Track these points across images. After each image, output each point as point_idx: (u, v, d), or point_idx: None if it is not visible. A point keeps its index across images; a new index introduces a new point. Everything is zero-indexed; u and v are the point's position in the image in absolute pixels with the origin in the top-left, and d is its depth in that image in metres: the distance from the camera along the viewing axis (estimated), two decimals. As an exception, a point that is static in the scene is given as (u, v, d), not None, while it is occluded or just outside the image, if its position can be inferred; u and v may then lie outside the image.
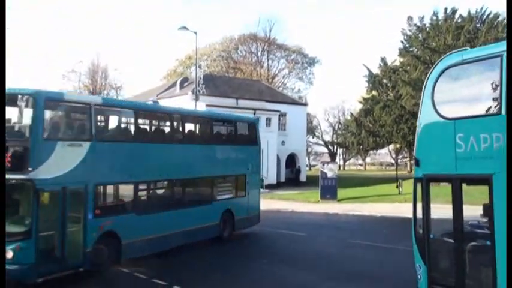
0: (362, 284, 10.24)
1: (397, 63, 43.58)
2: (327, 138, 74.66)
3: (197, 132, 17.56)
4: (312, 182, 43.24)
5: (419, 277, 8.77)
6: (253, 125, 19.91)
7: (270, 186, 39.56)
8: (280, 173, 44.86)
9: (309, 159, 73.99)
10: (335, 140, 67.61)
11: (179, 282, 11.49)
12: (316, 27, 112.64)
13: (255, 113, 40.56)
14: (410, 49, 42.06)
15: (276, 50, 68.31)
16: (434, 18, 41.28)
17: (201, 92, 37.06)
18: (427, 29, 41.56)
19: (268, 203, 29.98)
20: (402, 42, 42.88)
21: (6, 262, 9.63)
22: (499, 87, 7.70)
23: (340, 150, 75.07)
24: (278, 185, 41.92)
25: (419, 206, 8.64)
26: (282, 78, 70.31)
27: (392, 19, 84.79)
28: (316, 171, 52.02)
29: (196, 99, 34.40)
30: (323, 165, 33.22)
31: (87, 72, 72.42)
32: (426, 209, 8.57)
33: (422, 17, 42.17)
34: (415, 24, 42.30)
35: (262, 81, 57.99)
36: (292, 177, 45.86)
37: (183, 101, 39.39)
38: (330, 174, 31.29)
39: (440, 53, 31.59)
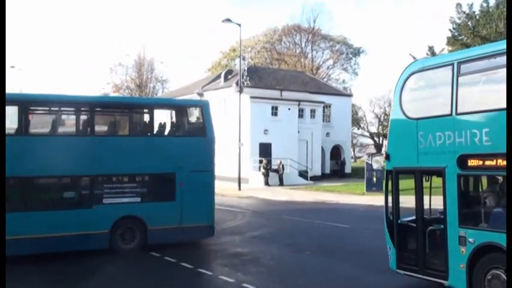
0: (406, 278, 10.12)
1: (445, 52, 42.48)
2: (373, 129, 73.61)
3: (83, 122, 14.37)
4: (357, 174, 42.85)
5: (389, 257, 10.26)
6: (198, 111, 15.58)
7: (315, 178, 39.40)
8: (325, 165, 44.59)
9: (354, 151, 73.19)
10: (381, 132, 66.56)
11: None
12: (361, 17, 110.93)
13: (299, 105, 40.45)
14: (459, 37, 40.91)
15: (320, 40, 67.69)
16: (485, 5, 39.99)
17: (245, 84, 37.18)
18: (477, 16, 40.31)
19: (313, 195, 30.00)
20: (450, 30, 41.76)
21: None
22: (450, 92, 9.00)
23: (385, 142, 73.90)
24: (323, 177, 41.70)
25: (389, 195, 10.09)
26: (326, 69, 69.72)
27: (440, 6, 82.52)
28: (361, 163, 51.48)
29: (241, 91, 34.58)
30: (369, 156, 32.85)
31: (134, 66, 73.89)
32: (395, 198, 10.07)
33: (472, 4, 40.96)
34: (464, 12, 41.09)
35: (306, 72, 57.66)
36: (337, 169, 45.54)
37: (228, 93, 39.72)
38: (375, 166, 30.91)
39: (492, 41, 30.60)
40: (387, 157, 10.36)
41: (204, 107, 15.10)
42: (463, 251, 8.75)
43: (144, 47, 75.44)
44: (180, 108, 15.74)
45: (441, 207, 9.34)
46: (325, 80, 63.42)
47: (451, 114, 9.02)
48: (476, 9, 40.44)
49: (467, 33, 39.86)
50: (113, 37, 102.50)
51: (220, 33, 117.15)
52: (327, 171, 44.64)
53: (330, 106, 45.41)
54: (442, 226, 9.26)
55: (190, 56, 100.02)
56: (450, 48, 41.77)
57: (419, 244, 9.62)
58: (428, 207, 10.11)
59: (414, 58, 43.42)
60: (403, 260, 9.99)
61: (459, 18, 41.51)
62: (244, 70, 39.49)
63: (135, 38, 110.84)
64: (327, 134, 44.55)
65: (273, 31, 68.62)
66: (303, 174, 38.69)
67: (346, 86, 67.18)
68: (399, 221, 10.10)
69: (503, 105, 8.04)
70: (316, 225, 19.37)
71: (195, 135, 15.08)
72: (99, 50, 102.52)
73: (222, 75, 45.68)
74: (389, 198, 10.22)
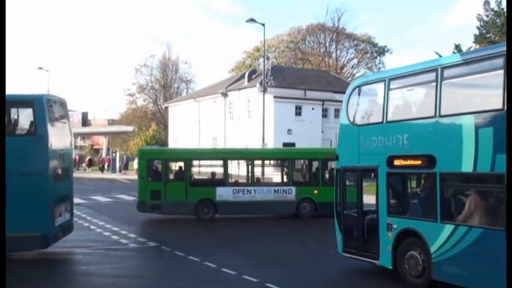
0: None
1: (473, 49, 41.77)
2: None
3: None
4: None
5: (338, 243, 12.11)
6: (28, 107, 13.25)
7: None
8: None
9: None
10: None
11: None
12: (386, 15, 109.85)
13: (323, 104, 40.25)
14: (487, 35, 40.15)
15: (344, 39, 67.23)
16: (514, 1, 39.17)
17: (269, 84, 37.17)
18: (506, 13, 39.53)
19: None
20: (478, 28, 40.99)
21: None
22: (382, 103, 10.96)
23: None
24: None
25: (340, 190, 12.10)
26: (350, 69, 69.19)
27: (466, 4, 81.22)
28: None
29: (264, 91, 34.55)
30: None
31: (158, 66, 74.54)
32: (342, 193, 12.03)
33: (500, 1, 40.14)
34: (492, 9, 40.32)
35: (330, 71, 57.37)
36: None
37: (252, 93, 39.76)
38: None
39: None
40: (336, 157, 12.34)
41: (35, 102, 12.93)
42: (389, 236, 10.70)
43: (169, 48, 75.86)
44: (14, 103, 13.18)
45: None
46: (350, 79, 62.99)
47: (382, 122, 11.00)
48: (505, 6, 39.68)
49: (496, 31, 39.10)
50: (138, 38, 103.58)
51: (244, 33, 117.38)
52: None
53: (354, 106, 45.03)
54: (375, 216, 11.20)
55: (215, 56, 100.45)
56: (477, 46, 41.04)
57: (358, 231, 11.60)
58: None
59: (440, 56, 43.05)
60: (347, 245, 11.82)
61: (487, 16, 40.74)
62: (268, 70, 39.50)
63: (160, 39, 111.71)
64: (351, 134, 44.18)
65: (297, 31, 68.45)
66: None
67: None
68: (345, 212, 12.06)
69: (419, 115, 10.44)
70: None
71: (23, 135, 13.22)
72: (125, 51, 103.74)
73: (246, 75, 45.76)
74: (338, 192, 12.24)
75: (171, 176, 20.96)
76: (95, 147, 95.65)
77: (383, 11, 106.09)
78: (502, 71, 8.66)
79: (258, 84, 39.19)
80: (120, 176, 50.37)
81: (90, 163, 58.21)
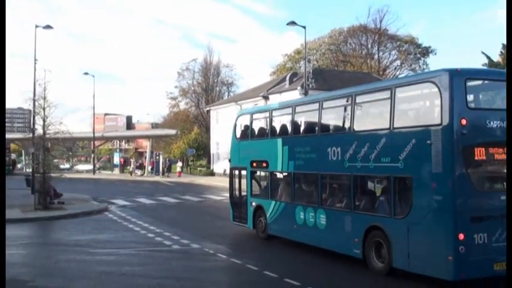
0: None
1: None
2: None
3: None
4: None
5: (230, 216, 18.31)
6: None
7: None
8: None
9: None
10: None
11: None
12: (430, 15, 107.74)
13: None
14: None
15: (387, 41, 66.24)
16: None
17: (310, 87, 37.01)
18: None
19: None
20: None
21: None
22: (250, 127, 17.11)
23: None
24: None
25: (231, 182, 18.28)
26: (393, 70, 68.06)
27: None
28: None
29: (306, 93, 34.43)
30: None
31: (200, 70, 75.34)
32: (232, 183, 18.14)
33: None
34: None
35: (372, 73, 56.64)
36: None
37: (293, 96, 39.68)
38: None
39: None
40: (229, 160, 18.49)
41: None
42: (252, 209, 16.80)
43: (210, 51, 76.49)
44: None
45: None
46: (393, 81, 62.00)
47: (248, 139, 17.21)
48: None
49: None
50: (181, 43, 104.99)
51: (286, 37, 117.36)
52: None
53: (397, 108, 44.35)
54: (246, 197, 17.21)
55: (256, 59, 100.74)
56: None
57: (239, 207, 17.68)
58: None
59: (488, 57, 41.84)
60: (235, 216, 18.04)
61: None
62: (309, 72, 39.35)
63: (202, 43, 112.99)
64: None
65: (338, 33, 67.91)
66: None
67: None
68: (233, 195, 18.22)
69: (260, 137, 16.58)
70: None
71: None
72: (168, 55, 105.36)
73: (287, 78, 45.72)
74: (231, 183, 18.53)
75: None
76: (138, 150, 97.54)
77: (426, 11, 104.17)
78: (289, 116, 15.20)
79: (299, 87, 39.10)
80: (163, 179, 51.16)
81: (141, 166, 58.83)
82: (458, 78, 10.04)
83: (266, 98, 44.78)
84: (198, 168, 58.48)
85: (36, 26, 33.22)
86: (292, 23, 32.94)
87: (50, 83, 24.69)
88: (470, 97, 10.51)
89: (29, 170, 39.65)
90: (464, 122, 9.78)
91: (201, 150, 61.70)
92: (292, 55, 69.21)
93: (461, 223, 9.66)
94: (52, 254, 14.91)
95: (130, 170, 58.55)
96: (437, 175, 10.02)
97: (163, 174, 54.70)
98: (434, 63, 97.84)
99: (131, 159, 67.85)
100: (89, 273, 12.20)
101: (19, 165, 70.34)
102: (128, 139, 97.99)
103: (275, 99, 41.77)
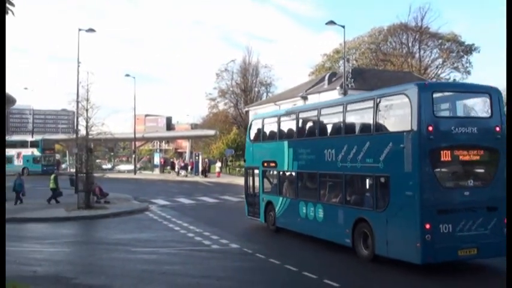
0: None
1: None
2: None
3: None
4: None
5: (245, 210, 20.28)
6: None
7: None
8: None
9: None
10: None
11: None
12: (473, 12, 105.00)
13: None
14: None
15: (428, 39, 64.89)
16: None
17: (349, 86, 36.64)
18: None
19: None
20: None
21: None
22: (262, 130, 19.00)
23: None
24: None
25: (246, 180, 20.46)
26: (435, 69, 66.66)
27: None
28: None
29: (345, 93, 34.10)
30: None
31: (239, 71, 75.61)
32: (247, 181, 20.14)
33: None
34: None
35: (413, 72, 55.61)
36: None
37: (332, 96, 39.35)
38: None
39: None
40: (244, 160, 21.29)
41: None
42: (263, 204, 18.60)
43: (249, 52, 76.63)
44: None
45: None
46: (435, 80, 60.80)
47: (260, 141, 19.23)
48: None
49: None
50: (220, 44, 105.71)
51: (325, 37, 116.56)
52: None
53: (439, 107, 43.48)
54: (258, 194, 19.08)
55: (294, 59, 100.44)
56: None
57: (253, 203, 19.54)
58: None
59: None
60: (249, 211, 19.97)
61: None
62: (349, 72, 38.95)
63: (241, 44, 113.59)
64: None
65: (378, 31, 67.01)
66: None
67: (457, 86, 63.75)
68: (247, 192, 20.16)
69: (271, 139, 18.37)
70: None
71: None
72: (207, 57, 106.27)
73: (326, 78, 45.38)
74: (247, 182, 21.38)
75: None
76: (178, 150, 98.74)
77: (469, 8, 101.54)
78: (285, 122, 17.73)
79: (338, 87, 38.76)
80: (203, 179, 51.58)
81: (186, 167, 59.28)
82: (425, 90, 11.82)
83: (305, 98, 44.56)
84: (237, 169, 58.67)
85: (79, 30, 34.06)
86: (331, 22, 32.65)
87: (92, 84, 25.33)
88: (436, 107, 12.16)
89: (73, 170, 40.70)
90: (430, 128, 11.48)
91: (240, 151, 61.79)
92: (331, 55, 68.68)
93: (427, 215, 11.28)
94: (95, 252, 15.25)
95: (176, 170, 59.11)
96: (409, 174, 11.63)
97: (202, 174, 55.13)
98: (478, 61, 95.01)
99: (176, 160, 68.54)
100: (130, 271, 12.41)
101: (63, 166, 72.22)
102: (168, 140, 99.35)
103: (314, 100, 41.59)
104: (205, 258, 14.07)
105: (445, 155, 11.70)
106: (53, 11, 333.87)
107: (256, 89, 77.20)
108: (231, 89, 76.10)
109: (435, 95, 12.04)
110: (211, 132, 63.50)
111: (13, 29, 60.60)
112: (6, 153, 44.86)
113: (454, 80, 65.93)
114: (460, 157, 11.87)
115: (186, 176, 55.27)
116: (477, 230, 11.54)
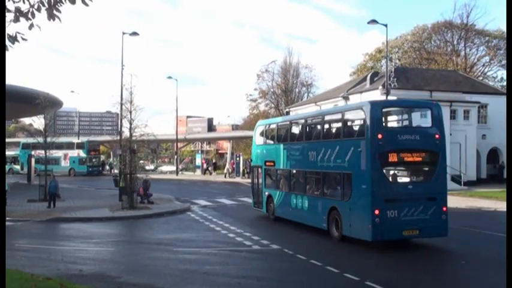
0: None
1: None
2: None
3: None
4: (518, 179, 39.24)
5: (252, 203, 23.95)
6: None
7: (469, 183, 36.97)
8: (481, 169, 41.59)
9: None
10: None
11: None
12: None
13: (451, 105, 38.19)
14: None
15: (474, 36, 63.14)
16: None
17: (392, 86, 36.01)
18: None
19: (467, 201, 28.05)
20: None
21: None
22: (265, 135, 22.65)
23: None
24: (478, 182, 38.93)
25: (252, 177, 24.47)
26: (481, 67, 64.83)
27: None
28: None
29: (387, 93, 33.52)
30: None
31: (280, 71, 75.49)
32: (253, 178, 23.73)
33: None
34: None
35: (459, 71, 54.24)
36: (494, 173, 42.12)
37: (374, 96, 38.81)
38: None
39: None
40: (251, 160, 25.49)
41: None
42: (265, 197, 21.73)
43: (289, 53, 76.39)
44: None
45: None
46: (481, 78, 59.12)
47: (263, 144, 22.54)
48: None
49: None
50: (261, 45, 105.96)
51: (367, 36, 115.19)
52: (483, 176, 41.62)
53: (486, 106, 42.29)
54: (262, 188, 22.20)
55: (334, 59, 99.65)
56: None
57: (257, 196, 22.84)
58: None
59: None
60: (254, 203, 23.28)
61: None
62: (391, 71, 38.30)
63: (281, 44, 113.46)
64: (483, 136, 41.58)
65: (422, 30, 65.65)
66: (455, 179, 36.33)
67: (505, 85, 61.87)
68: (253, 187, 23.40)
69: (270, 142, 22.08)
70: (468, 232, 18.12)
71: None
72: (248, 58, 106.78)
73: (368, 77, 44.77)
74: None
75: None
76: (219, 151, 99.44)
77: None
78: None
79: (380, 87, 38.17)
80: (244, 180, 51.77)
81: (215, 167, 59.93)
82: (376, 106, 15.23)
83: (346, 98, 44.11)
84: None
85: (123, 33, 34.70)
86: (373, 21, 32.20)
87: (136, 87, 25.80)
88: (386, 119, 16.17)
89: (117, 171, 41.58)
90: (380, 136, 14.58)
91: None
92: (373, 54, 67.72)
93: (377, 203, 14.35)
94: (138, 252, 15.51)
95: (225, 171, 59.66)
96: (364, 171, 14.86)
97: (243, 175, 55.32)
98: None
99: (226, 161, 69.18)
100: (173, 270, 12.56)
101: (107, 166, 73.86)
102: (209, 141, 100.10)
103: (355, 100, 41.18)
104: (246, 259, 14.13)
105: (392, 157, 14.92)
106: (97, 15, 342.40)
107: (297, 90, 76.84)
108: (271, 89, 76.02)
109: (384, 110, 15.84)
110: (252, 133, 63.67)
111: (60, 33, 62.37)
112: (54, 155, 46.30)
113: (502, 78, 64.01)
114: (405, 158, 15.05)
115: (234, 176, 55.74)
116: (419, 216, 14.57)
